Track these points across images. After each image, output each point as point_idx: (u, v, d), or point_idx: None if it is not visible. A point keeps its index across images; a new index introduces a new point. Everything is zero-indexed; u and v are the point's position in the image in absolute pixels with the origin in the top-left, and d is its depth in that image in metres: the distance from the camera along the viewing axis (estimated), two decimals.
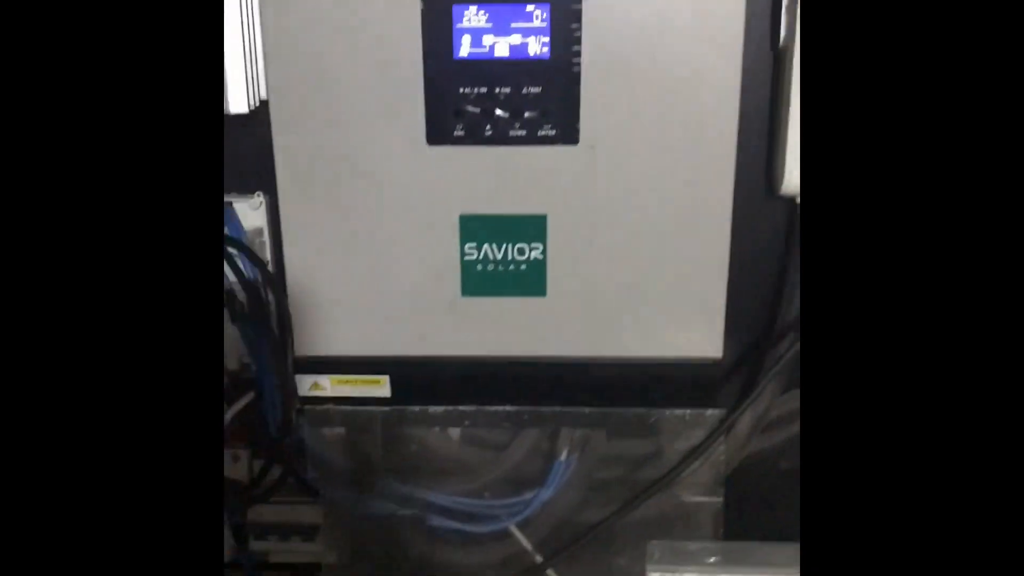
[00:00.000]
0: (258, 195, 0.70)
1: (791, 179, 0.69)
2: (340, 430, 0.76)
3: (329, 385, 0.73)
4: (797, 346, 0.71)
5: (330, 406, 0.74)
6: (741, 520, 0.83)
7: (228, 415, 0.74)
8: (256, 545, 0.79)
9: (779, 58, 0.68)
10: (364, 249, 0.69)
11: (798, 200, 0.71)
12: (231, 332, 0.70)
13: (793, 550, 0.87)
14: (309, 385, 0.73)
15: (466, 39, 0.63)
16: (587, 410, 0.74)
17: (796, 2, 0.64)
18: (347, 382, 0.72)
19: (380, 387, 0.72)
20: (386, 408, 0.74)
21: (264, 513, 0.79)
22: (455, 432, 0.79)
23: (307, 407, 0.75)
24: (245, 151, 0.68)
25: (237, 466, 0.77)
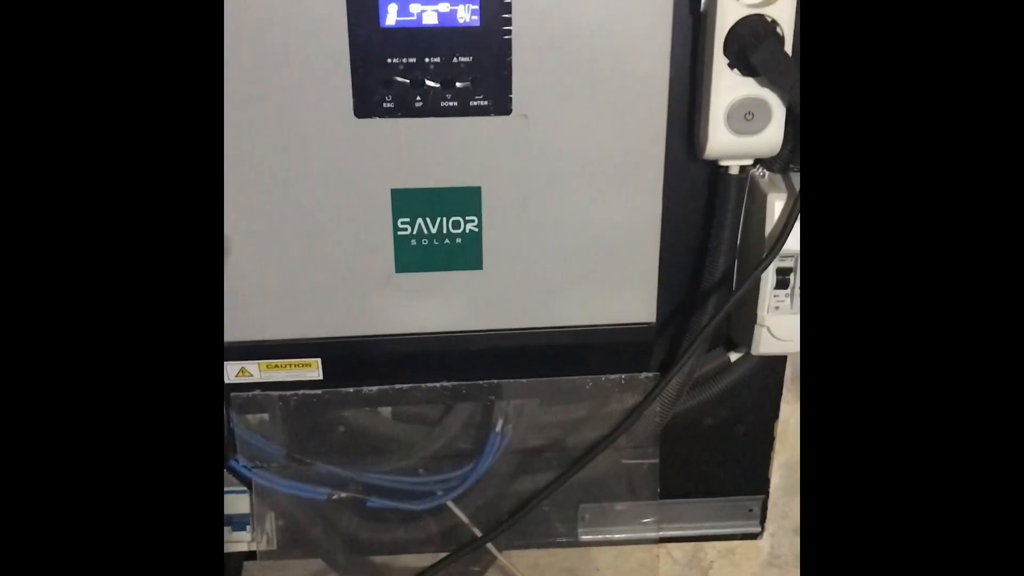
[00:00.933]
0: None
1: (713, 142, 0.70)
2: (270, 416, 0.73)
3: (258, 371, 0.70)
4: (724, 307, 0.72)
5: (258, 392, 0.72)
6: (672, 477, 0.85)
7: None
8: None
9: (700, 21, 0.69)
10: (292, 227, 0.66)
11: (720, 163, 0.72)
12: None
13: (720, 504, 0.90)
14: (236, 372, 0.70)
15: (392, 7, 0.61)
16: (525, 380, 0.74)
17: None
18: (277, 367, 0.70)
19: (312, 370, 0.70)
20: (318, 391, 0.72)
21: None
22: (386, 410, 0.78)
23: (233, 394, 0.72)
24: None
25: None
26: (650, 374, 0.75)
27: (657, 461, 0.80)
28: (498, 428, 0.77)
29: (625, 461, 0.80)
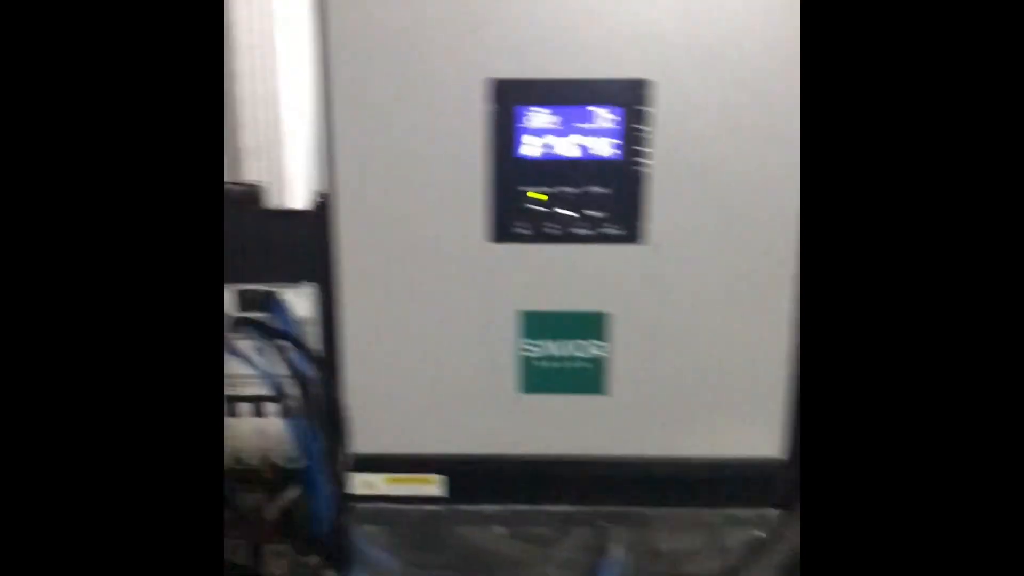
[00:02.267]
0: (306, 285, 0.69)
1: None
2: (389, 528, 0.74)
3: (382, 483, 0.71)
4: None
5: (381, 504, 0.73)
6: None
7: (272, 509, 0.72)
8: None
9: None
10: (422, 345, 0.68)
11: None
12: (276, 424, 0.70)
13: None
14: (360, 483, 0.71)
15: (531, 139, 0.63)
16: (645, 510, 0.73)
17: None
18: (400, 480, 0.71)
19: (433, 486, 0.71)
20: (438, 507, 0.72)
21: None
22: (504, 528, 0.77)
23: (357, 505, 0.73)
24: (296, 242, 0.68)
25: (279, 562, 0.75)
26: (775, 510, 0.72)
27: None
28: (614, 555, 0.76)
29: None
